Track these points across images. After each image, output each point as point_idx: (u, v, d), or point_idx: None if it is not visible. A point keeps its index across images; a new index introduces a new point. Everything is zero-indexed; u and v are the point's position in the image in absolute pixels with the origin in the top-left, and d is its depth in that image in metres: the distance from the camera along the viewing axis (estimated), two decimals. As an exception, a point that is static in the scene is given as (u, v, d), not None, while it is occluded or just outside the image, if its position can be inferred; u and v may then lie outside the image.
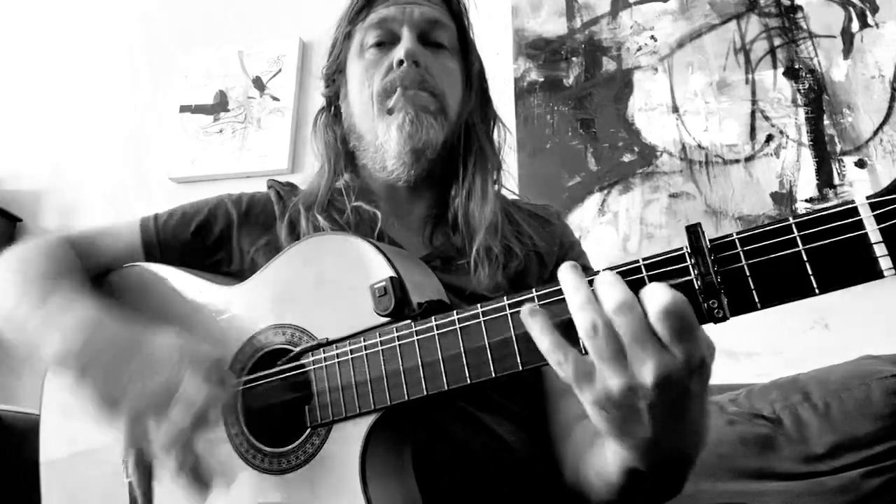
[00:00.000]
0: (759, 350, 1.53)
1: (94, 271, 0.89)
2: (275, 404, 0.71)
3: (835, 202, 0.49)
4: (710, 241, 0.50)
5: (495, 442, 0.78)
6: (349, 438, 0.65)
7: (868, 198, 0.46)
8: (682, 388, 0.49)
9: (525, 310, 0.53)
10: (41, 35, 2.52)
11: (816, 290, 0.47)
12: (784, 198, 1.68)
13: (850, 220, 0.46)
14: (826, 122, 1.71)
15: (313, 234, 0.76)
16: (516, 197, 1.04)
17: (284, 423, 0.70)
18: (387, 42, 0.90)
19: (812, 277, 0.47)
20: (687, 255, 0.50)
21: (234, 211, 0.93)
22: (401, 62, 0.87)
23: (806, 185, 1.67)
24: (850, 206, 0.46)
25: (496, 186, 0.96)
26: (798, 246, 0.48)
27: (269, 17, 2.30)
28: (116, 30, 2.45)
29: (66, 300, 0.74)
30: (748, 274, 0.49)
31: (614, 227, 1.77)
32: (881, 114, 1.68)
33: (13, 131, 2.41)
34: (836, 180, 1.66)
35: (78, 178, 2.28)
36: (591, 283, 0.52)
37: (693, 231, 0.50)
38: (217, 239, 0.92)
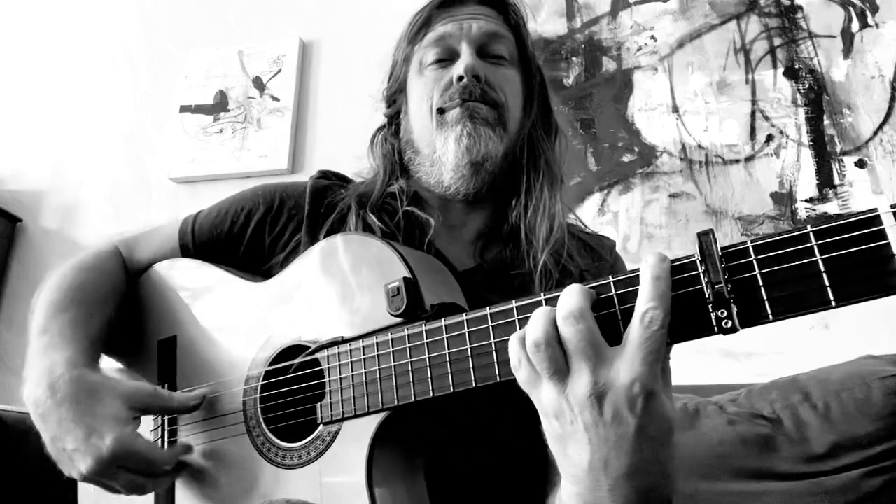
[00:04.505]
0: (759, 350, 1.53)
1: (138, 269, 0.96)
2: (291, 400, 0.73)
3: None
4: (723, 248, 0.48)
5: (506, 451, 0.78)
6: (358, 437, 0.66)
7: (893, 206, 0.43)
8: (620, 417, 0.49)
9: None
10: (42, 35, 2.52)
11: (833, 304, 0.44)
12: (784, 198, 1.68)
13: (871, 228, 0.43)
14: (826, 122, 1.71)
15: (336, 234, 0.77)
16: (573, 221, 1.00)
17: (300, 418, 0.72)
18: (446, 59, 0.89)
19: (829, 289, 0.44)
20: (698, 262, 0.49)
21: (263, 205, 0.93)
22: (460, 77, 0.85)
23: (806, 185, 1.67)
24: (873, 213, 0.43)
25: (560, 201, 0.93)
26: (815, 255, 0.45)
27: (269, 17, 2.30)
28: (116, 30, 2.45)
29: (51, 342, 0.78)
30: (761, 284, 0.46)
31: (614, 227, 1.77)
32: (881, 114, 1.67)
33: (14, 131, 2.41)
34: (836, 180, 1.65)
35: (78, 178, 2.28)
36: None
37: (705, 237, 0.48)
38: (248, 233, 0.92)
